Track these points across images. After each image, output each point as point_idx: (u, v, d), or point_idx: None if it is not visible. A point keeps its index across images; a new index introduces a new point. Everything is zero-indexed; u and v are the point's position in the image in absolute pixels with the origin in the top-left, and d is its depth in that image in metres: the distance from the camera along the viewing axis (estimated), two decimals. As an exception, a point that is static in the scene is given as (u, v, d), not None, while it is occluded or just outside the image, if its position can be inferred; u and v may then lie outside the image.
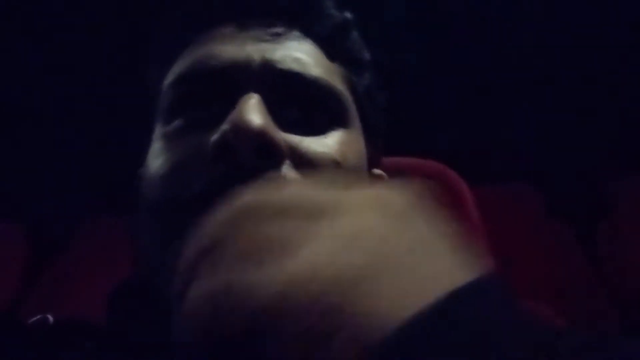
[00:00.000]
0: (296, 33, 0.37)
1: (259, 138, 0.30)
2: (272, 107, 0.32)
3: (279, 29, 0.36)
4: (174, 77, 0.36)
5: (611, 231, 1.21)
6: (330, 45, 0.38)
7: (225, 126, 0.30)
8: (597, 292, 1.11)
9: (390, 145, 0.46)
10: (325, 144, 0.34)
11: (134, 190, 0.37)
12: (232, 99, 0.32)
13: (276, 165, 0.31)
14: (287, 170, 0.31)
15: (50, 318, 0.37)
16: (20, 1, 1.33)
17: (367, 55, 0.43)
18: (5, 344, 0.34)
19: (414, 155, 0.64)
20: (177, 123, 0.35)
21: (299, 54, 0.36)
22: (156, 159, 0.34)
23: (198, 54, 0.36)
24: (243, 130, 0.29)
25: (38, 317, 0.38)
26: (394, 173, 0.44)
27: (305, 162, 0.32)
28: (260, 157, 0.30)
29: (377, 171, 0.42)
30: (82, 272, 1.27)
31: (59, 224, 1.42)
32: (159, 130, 0.36)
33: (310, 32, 0.38)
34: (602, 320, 1.04)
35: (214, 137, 0.30)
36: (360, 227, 0.19)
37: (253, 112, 0.30)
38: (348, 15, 0.41)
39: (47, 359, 0.34)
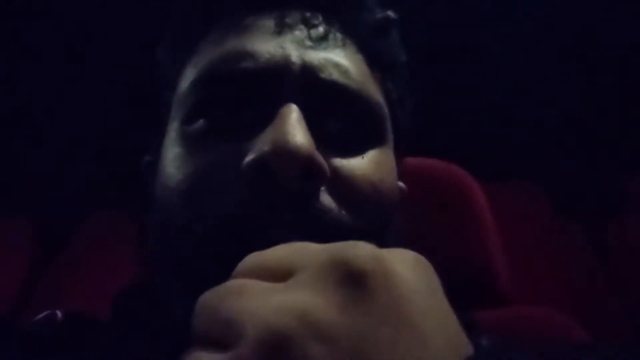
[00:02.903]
0: (338, 35, 0.34)
1: (304, 163, 0.27)
2: (310, 119, 0.29)
3: (319, 30, 0.33)
4: (201, 73, 0.32)
5: (622, 230, 1.20)
6: (371, 46, 0.36)
7: (265, 147, 0.27)
8: (606, 291, 1.10)
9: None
10: (365, 166, 0.31)
11: (143, 189, 0.35)
12: (268, 106, 0.29)
13: (315, 189, 0.28)
14: (324, 196, 0.29)
15: (59, 314, 0.37)
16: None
17: (404, 58, 0.40)
18: (12, 342, 0.34)
19: (420, 155, 0.64)
20: (200, 124, 0.31)
21: (340, 60, 0.32)
22: (177, 167, 0.31)
23: (230, 48, 0.32)
24: (287, 154, 0.26)
25: (47, 312, 0.37)
26: (405, 174, 0.44)
27: (344, 187, 0.30)
28: (303, 181, 0.27)
29: (400, 184, 0.40)
30: (88, 267, 1.28)
31: (64, 220, 1.43)
32: (177, 128, 0.33)
33: (351, 30, 0.35)
34: (611, 320, 1.04)
35: (251, 157, 0.27)
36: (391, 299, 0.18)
37: (297, 131, 0.27)
38: (391, 13, 0.38)
39: (55, 355, 0.34)
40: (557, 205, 1.27)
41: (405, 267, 0.19)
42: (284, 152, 0.26)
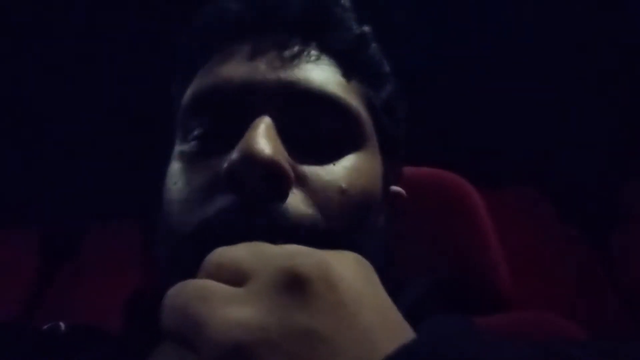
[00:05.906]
0: (313, 52, 0.37)
1: (267, 167, 0.29)
2: (284, 130, 0.32)
3: (295, 48, 0.36)
4: (190, 98, 0.36)
5: (624, 235, 1.20)
6: (349, 61, 0.38)
7: (234, 155, 0.30)
8: (609, 297, 1.09)
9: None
10: (333, 171, 0.34)
11: (155, 205, 0.38)
12: (246, 122, 0.32)
13: (282, 194, 0.31)
14: (292, 200, 0.31)
15: (62, 325, 0.38)
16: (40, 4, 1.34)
17: (386, 68, 0.42)
18: (18, 352, 0.35)
19: (420, 164, 0.64)
20: (194, 143, 0.35)
21: (314, 73, 0.35)
22: (174, 183, 0.34)
23: (212, 75, 0.36)
24: (250, 159, 0.29)
25: (50, 324, 0.38)
26: (406, 182, 0.44)
27: (311, 192, 0.32)
28: (267, 186, 0.30)
29: (394, 189, 0.42)
30: (94, 277, 1.28)
31: (70, 230, 1.43)
32: (177, 148, 0.37)
33: (328, 48, 0.38)
34: (614, 325, 1.03)
35: (224, 165, 0.30)
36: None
37: (262, 138, 0.30)
38: (367, 28, 0.41)
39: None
40: (559, 210, 1.27)
41: (347, 268, 0.22)
42: (247, 157, 0.29)
